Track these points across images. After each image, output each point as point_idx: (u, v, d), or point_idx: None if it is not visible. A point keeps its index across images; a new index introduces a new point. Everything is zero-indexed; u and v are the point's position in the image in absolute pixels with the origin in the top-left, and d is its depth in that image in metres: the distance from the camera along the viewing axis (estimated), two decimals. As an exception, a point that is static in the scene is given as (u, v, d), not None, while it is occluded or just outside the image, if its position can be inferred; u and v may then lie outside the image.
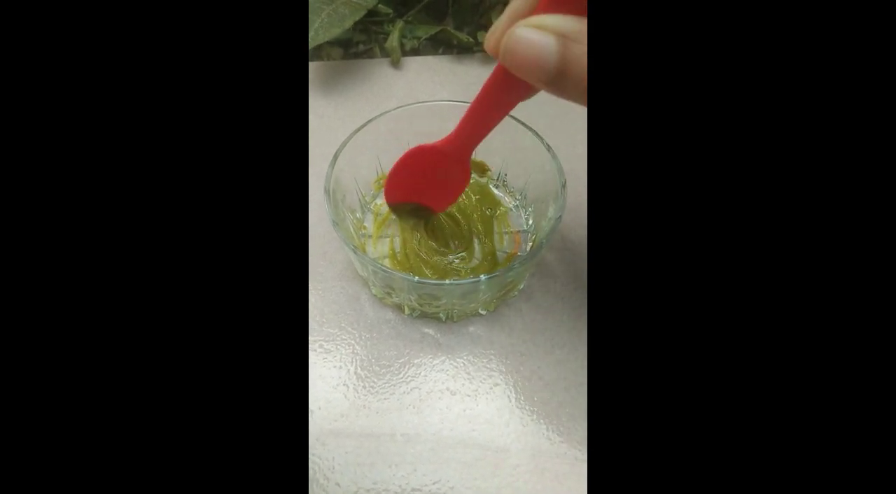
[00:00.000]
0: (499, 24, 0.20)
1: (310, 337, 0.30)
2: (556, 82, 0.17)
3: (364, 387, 0.28)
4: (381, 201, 0.34)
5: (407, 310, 0.30)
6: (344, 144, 0.29)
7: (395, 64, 0.44)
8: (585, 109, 0.20)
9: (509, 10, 0.20)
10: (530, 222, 0.33)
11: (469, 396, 0.28)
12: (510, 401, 0.28)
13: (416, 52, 0.45)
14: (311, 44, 0.38)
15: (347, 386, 0.28)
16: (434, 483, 0.25)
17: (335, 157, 0.28)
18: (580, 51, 0.16)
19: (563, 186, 0.27)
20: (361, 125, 0.30)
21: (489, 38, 0.20)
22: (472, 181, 0.34)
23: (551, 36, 0.17)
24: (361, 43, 0.46)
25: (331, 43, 0.45)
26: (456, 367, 0.29)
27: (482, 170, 0.34)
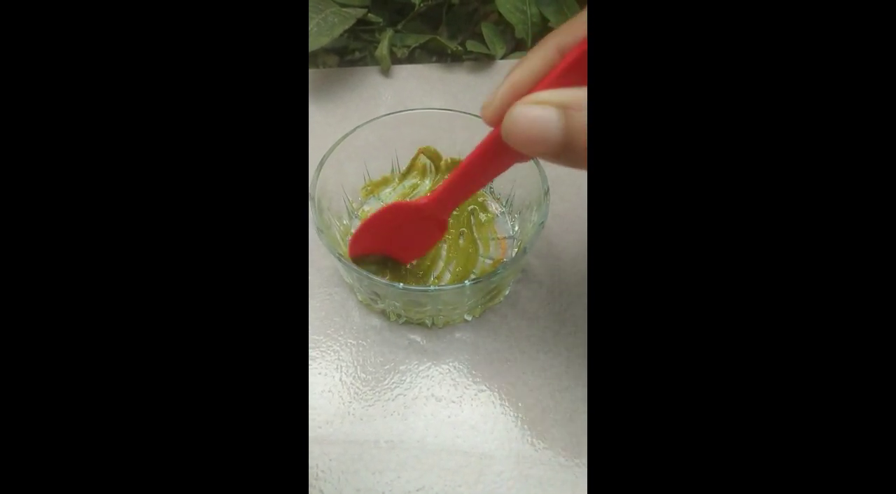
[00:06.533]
0: (497, 94, 0.20)
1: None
2: (562, 153, 0.17)
3: (349, 394, 0.28)
4: (368, 208, 0.34)
5: (392, 317, 0.30)
6: (330, 151, 0.29)
7: (385, 72, 0.44)
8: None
9: (509, 82, 0.19)
10: (516, 228, 0.33)
11: (454, 402, 0.28)
12: (495, 407, 0.28)
13: (409, 60, 0.45)
14: (301, 52, 0.38)
15: (332, 393, 0.28)
16: (418, 490, 0.25)
17: (320, 164, 0.29)
18: (583, 117, 0.16)
19: (546, 193, 0.28)
20: (348, 132, 0.30)
21: (486, 108, 0.20)
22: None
23: (552, 108, 0.17)
24: (357, 50, 0.46)
25: (326, 50, 0.45)
26: (441, 373, 0.29)
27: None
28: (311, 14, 0.39)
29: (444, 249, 0.32)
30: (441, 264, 0.31)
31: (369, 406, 0.28)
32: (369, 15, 0.44)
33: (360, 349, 0.30)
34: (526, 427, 0.27)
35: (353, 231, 0.33)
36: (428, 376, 0.29)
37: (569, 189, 0.36)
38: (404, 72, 0.44)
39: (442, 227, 0.27)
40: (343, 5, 0.42)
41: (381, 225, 0.28)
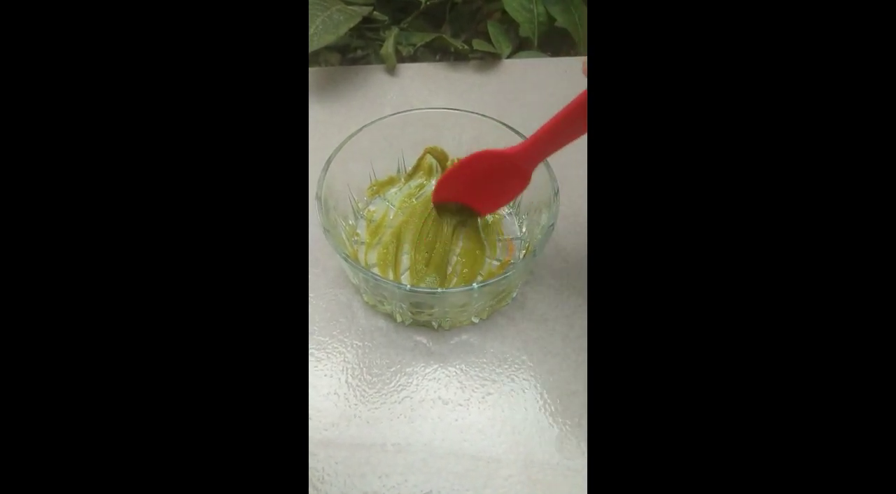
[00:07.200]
0: None
1: (301, 345, 0.29)
2: None
3: (355, 396, 0.28)
4: (374, 208, 0.34)
5: (399, 318, 0.30)
6: (336, 151, 0.29)
7: (391, 70, 0.44)
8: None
9: None
10: (524, 229, 0.32)
11: (461, 405, 0.28)
12: (502, 411, 0.27)
13: (412, 58, 0.45)
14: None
15: (338, 395, 0.28)
16: (425, 494, 0.25)
17: (327, 164, 0.28)
18: None
19: (556, 194, 0.27)
20: (354, 132, 0.30)
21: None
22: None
23: None
24: (359, 48, 0.46)
25: (329, 48, 0.45)
26: (448, 376, 0.28)
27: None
28: (315, 12, 0.39)
29: (454, 253, 0.32)
30: (450, 269, 0.31)
31: (375, 408, 0.27)
32: (374, 13, 0.43)
33: (366, 350, 0.29)
34: (534, 431, 0.27)
35: (358, 231, 0.33)
36: (435, 378, 0.28)
37: (576, 190, 0.35)
38: (410, 71, 0.44)
39: (525, 179, 0.27)
40: (348, 3, 0.41)
41: (467, 171, 0.28)
